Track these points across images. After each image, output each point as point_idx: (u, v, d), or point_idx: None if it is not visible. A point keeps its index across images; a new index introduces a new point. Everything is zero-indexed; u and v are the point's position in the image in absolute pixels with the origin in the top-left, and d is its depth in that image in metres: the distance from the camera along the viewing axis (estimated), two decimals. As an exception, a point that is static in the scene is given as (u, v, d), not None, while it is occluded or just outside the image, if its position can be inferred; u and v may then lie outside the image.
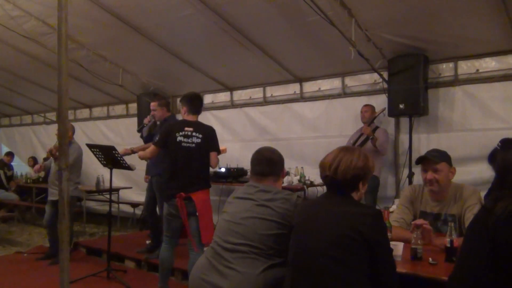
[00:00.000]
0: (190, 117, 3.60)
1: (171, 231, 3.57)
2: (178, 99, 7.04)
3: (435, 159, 2.55)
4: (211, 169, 3.65)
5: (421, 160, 2.62)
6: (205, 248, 2.37)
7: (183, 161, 3.46)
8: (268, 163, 2.34)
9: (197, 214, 3.38)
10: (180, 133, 3.48)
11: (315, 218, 1.90)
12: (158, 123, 4.82)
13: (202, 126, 3.59)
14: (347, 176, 1.87)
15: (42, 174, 7.55)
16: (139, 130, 4.88)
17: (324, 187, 5.19)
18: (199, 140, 3.48)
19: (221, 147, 3.79)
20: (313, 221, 1.89)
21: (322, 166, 1.96)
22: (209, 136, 3.55)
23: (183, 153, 3.46)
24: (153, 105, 4.67)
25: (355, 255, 1.73)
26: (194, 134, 3.48)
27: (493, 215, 1.45)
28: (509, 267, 1.40)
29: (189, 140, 3.46)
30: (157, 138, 3.81)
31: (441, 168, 2.54)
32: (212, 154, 3.55)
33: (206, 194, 3.52)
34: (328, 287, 1.74)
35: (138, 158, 3.97)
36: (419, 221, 2.33)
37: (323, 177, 1.97)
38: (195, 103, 3.64)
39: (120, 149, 4.28)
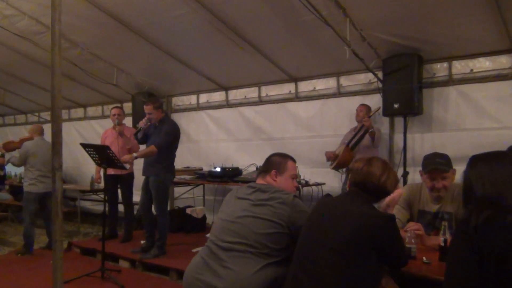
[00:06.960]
0: None
1: None
2: (173, 99, 7.05)
3: (445, 168, 2.53)
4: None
5: (433, 170, 2.56)
6: (200, 248, 2.38)
7: None
8: (267, 160, 2.52)
9: None
10: None
11: (330, 215, 1.95)
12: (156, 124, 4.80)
13: None
14: (392, 190, 2.04)
15: None
16: (136, 134, 4.87)
17: (318, 187, 5.14)
18: None
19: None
20: (328, 218, 1.95)
21: (369, 174, 2.00)
22: None
23: None
24: (148, 109, 4.63)
25: (364, 253, 1.80)
26: None
27: (470, 225, 1.50)
28: (496, 271, 1.42)
29: None
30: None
31: (449, 175, 2.55)
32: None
33: None
34: (332, 281, 1.79)
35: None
36: (411, 227, 2.35)
37: (369, 183, 2.00)
38: None
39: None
